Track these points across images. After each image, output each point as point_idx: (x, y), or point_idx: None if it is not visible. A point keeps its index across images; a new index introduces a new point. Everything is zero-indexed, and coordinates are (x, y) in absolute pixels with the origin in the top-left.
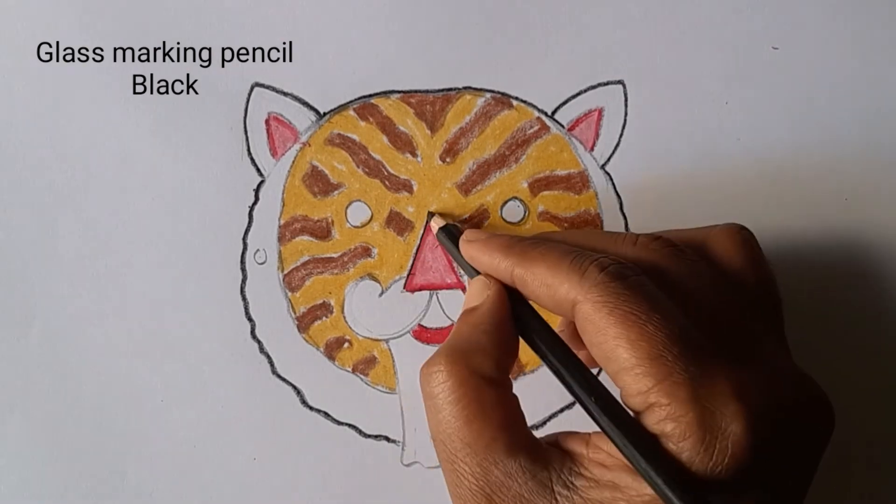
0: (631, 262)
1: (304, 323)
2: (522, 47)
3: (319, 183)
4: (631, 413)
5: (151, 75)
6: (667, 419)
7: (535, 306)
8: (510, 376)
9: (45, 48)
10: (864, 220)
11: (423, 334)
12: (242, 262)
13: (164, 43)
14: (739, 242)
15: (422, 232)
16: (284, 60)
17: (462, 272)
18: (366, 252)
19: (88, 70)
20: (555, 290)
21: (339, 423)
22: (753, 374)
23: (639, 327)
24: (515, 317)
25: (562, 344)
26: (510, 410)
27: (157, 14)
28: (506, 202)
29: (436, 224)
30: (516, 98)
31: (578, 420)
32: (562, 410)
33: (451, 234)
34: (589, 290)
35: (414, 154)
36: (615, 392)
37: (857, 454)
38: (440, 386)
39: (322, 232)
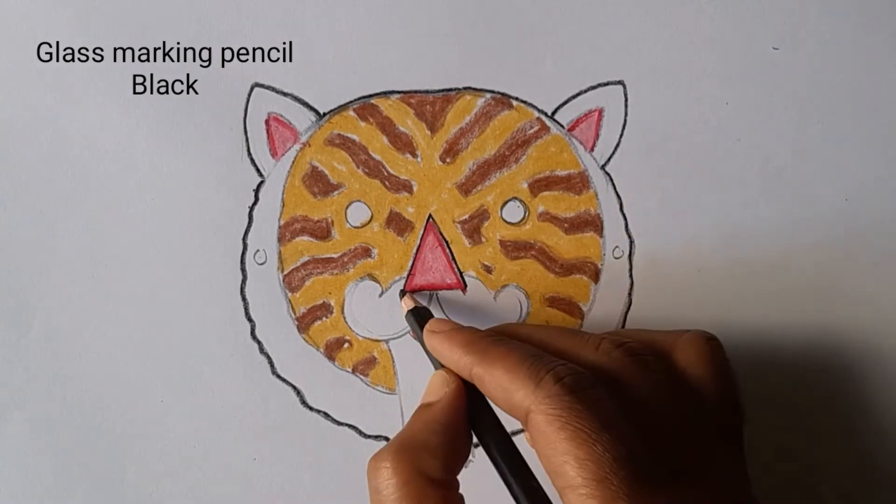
0: (591, 368)
1: (304, 323)
2: (522, 47)
3: (319, 183)
4: None
5: (151, 75)
6: None
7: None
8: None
9: (45, 48)
10: (864, 220)
11: None
12: (242, 262)
13: (164, 43)
14: (706, 354)
15: (422, 232)
16: (284, 60)
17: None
18: (366, 252)
19: (88, 70)
20: (510, 395)
21: (339, 424)
22: (696, 498)
23: (588, 447)
24: (473, 412)
25: (513, 450)
26: None
27: (157, 14)
28: (506, 202)
29: (405, 305)
30: (516, 98)
31: None
32: None
33: (420, 318)
34: (542, 400)
35: (414, 154)
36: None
37: None
38: (385, 482)
39: (322, 232)
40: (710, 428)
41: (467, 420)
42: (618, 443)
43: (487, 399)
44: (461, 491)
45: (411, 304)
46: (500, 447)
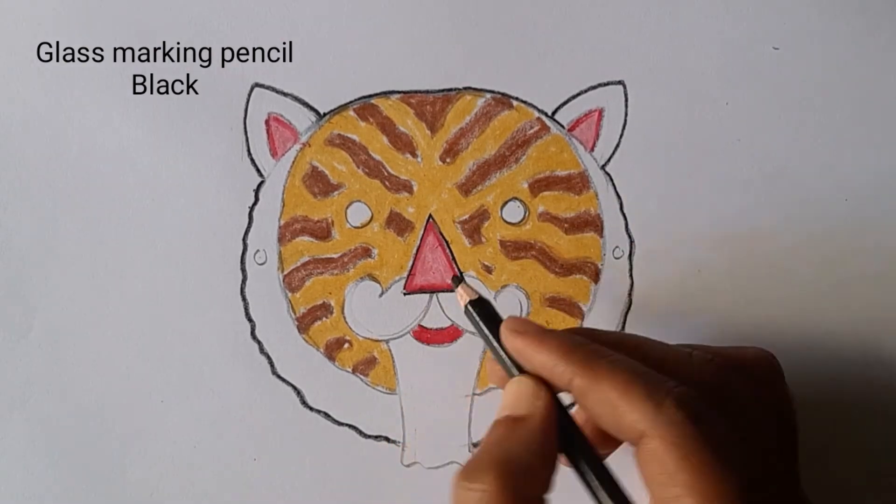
0: (693, 384)
1: (304, 323)
2: (522, 47)
3: (319, 183)
4: None
5: (151, 75)
6: None
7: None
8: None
9: (45, 48)
10: (864, 220)
11: (423, 335)
12: (242, 262)
13: (164, 43)
14: (773, 371)
15: (422, 232)
16: (284, 60)
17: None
18: (366, 252)
19: (88, 70)
20: (622, 414)
21: (339, 424)
22: None
23: (714, 484)
24: (564, 433)
25: (609, 475)
26: None
27: (157, 14)
28: (506, 202)
29: (464, 295)
30: (516, 98)
31: None
32: None
33: (487, 314)
34: (663, 427)
35: (414, 154)
36: None
37: None
38: None
39: (322, 232)
40: (779, 443)
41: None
42: (740, 476)
43: (569, 412)
44: None
45: (471, 295)
46: (597, 472)
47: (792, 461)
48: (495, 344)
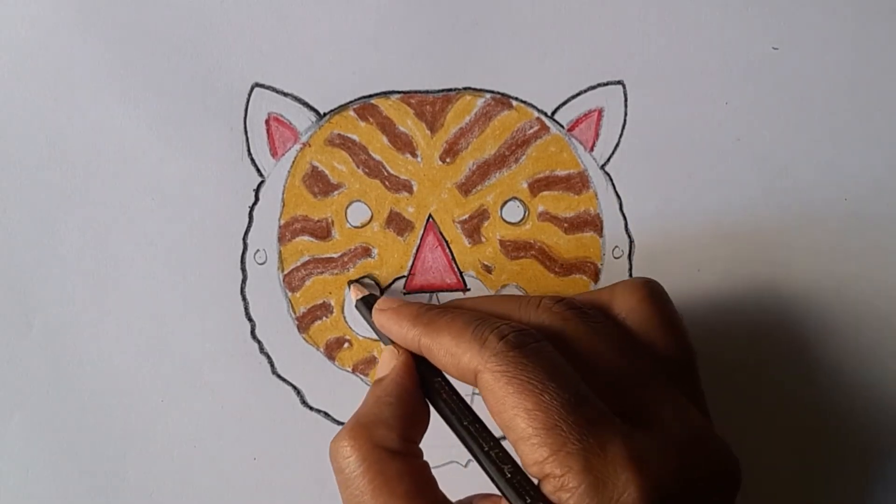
0: (534, 326)
1: (304, 323)
2: (522, 47)
3: (319, 183)
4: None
5: (151, 75)
6: (561, 489)
7: None
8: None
9: (44, 48)
10: (864, 220)
11: None
12: (242, 262)
13: (164, 43)
14: (644, 298)
15: (422, 232)
16: (284, 60)
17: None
18: (366, 252)
19: (88, 70)
20: (458, 359)
21: (339, 423)
22: (653, 439)
23: (535, 397)
24: (426, 384)
25: (469, 412)
26: (417, 480)
27: (158, 14)
28: (506, 202)
29: (355, 294)
30: (516, 98)
31: None
32: None
33: (367, 304)
34: (489, 359)
35: (414, 154)
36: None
37: None
38: (345, 461)
39: (322, 232)
40: (660, 369)
41: (420, 391)
42: (565, 390)
43: (438, 369)
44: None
45: (359, 294)
46: (455, 411)
47: (676, 386)
48: (374, 328)
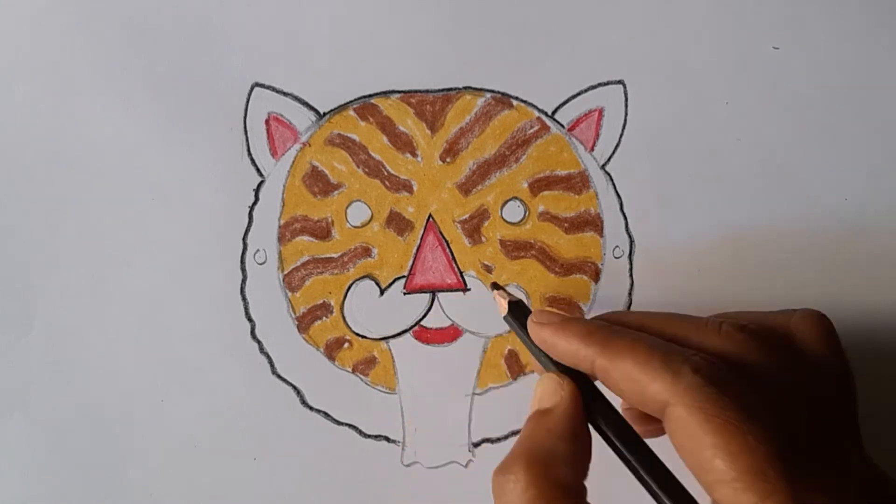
0: (716, 354)
1: (304, 323)
2: (522, 47)
3: (319, 183)
4: None
5: (151, 75)
6: None
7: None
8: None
9: (45, 48)
10: (863, 220)
11: (423, 334)
12: (242, 262)
13: (164, 43)
14: (822, 332)
15: (422, 232)
16: (284, 60)
17: (534, 355)
18: (366, 252)
19: (89, 70)
20: (643, 387)
21: (339, 423)
22: (843, 480)
23: (740, 439)
24: (590, 411)
25: (643, 445)
26: None
27: (158, 14)
28: (506, 202)
29: (502, 300)
30: (516, 98)
31: None
32: None
33: (519, 312)
34: (683, 393)
35: (414, 154)
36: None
37: None
38: (519, 497)
39: (322, 232)
40: (834, 406)
41: (586, 421)
42: (769, 433)
43: (600, 392)
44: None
45: (506, 298)
46: (628, 443)
47: (847, 423)
48: (527, 340)
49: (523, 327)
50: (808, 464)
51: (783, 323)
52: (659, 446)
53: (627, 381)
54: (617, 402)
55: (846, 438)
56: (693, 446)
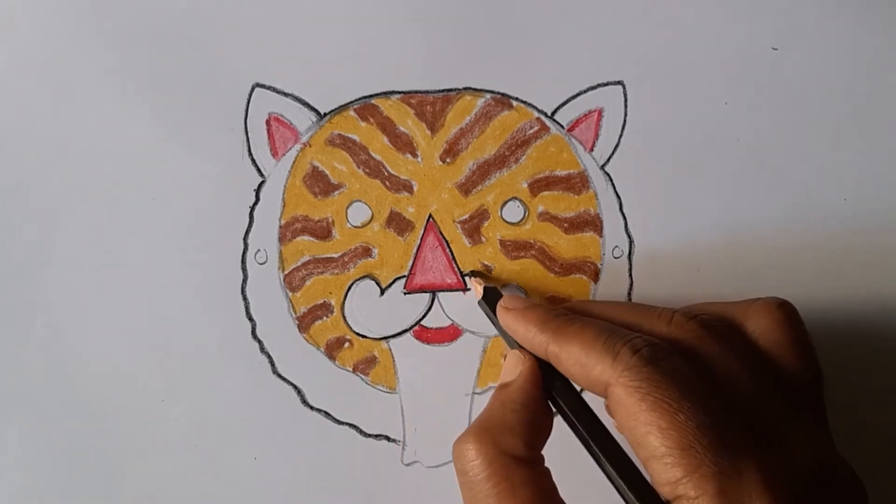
0: (665, 340)
1: (304, 323)
2: (522, 47)
3: (320, 183)
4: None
5: (152, 75)
6: None
7: None
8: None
9: (45, 48)
10: (863, 220)
11: (423, 334)
12: (243, 262)
13: (164, 43)
14: (780, 320)
15: (422, 232)
16: (284, 60)
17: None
18: (366, 252)
19: (89, 70)
20: (588, 370)
21: (340, 423)
22: (785, 462)
23: (670, 415)
24: (550, 389)
25: (593, 417)
26: (541, 487)
27: (158, 14)
28: (506, 202)
29: (478, 286)
30: (516, 98)
31: None
32: None
33: (491, 298)
34: (621, 373)
35: (414, 154)
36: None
37: None
38: (470, 464)
39: (322, 232)
40: (790, 392)
41: (545, 396)
42: (699, 411)
43: (565, 375)
44: (547, 465)
45: (481, 285)
46: (579, 417)
47: (803, 408)
48: (498, 326)
49: (494, 312)
50: (743, 443)
51: (740, 312)
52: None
53: (576, 366)
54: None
55: (801, 422)
56: (630, 424)
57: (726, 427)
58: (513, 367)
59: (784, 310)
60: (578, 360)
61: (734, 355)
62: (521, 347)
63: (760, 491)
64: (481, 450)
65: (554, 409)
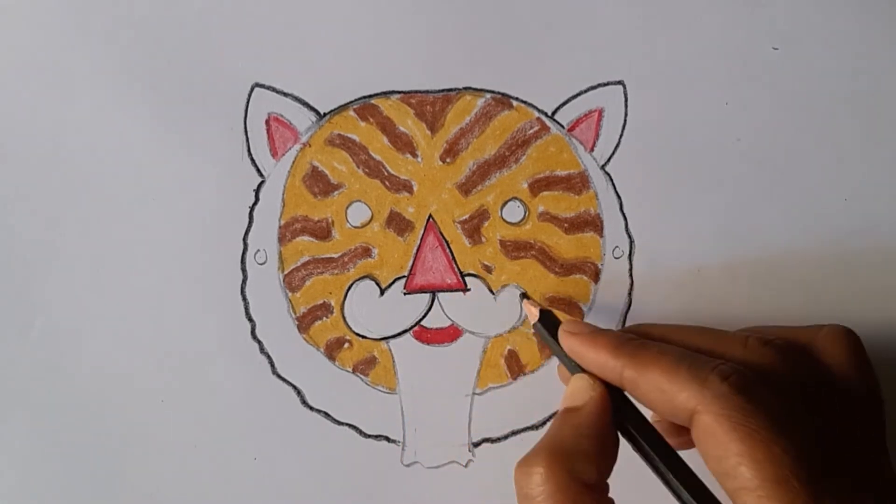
0: (743, 366)
1: (304, 323)
2: (522, 47)
3: (320, 183)
4: None
5: (152, 75)
6: None
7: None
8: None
9: (45, 48)
10: (863, 220)
11: (423, 335)
12: (243, 262)
13: (164, 43)
14: (848, 348)
15: (422, 232)
16: (284, 60)
17: (562, 361)
18: (366, 252)
19: (89, 70)
20: (672, 396)
21: (339, 423)
22: (866, 493)
23: (764, 448)
24: (616, 415)
25: (669, 449)
26: None
27: (158, 14)
28: (506, 202)
29: (532, 309)
30: (516, 98)
31: None
32: None
33: (548, 322)
34: (711, 401)
35: (414, 154)
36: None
37: None
38: (538, 488)
39: (322, 232)
40: (858, 420)
41: (614, 424)
42: (794, 443)
43: (631, 401)
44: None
45: (536, 308)
46: (656, 448)
47: (873, 439)
48: (557, 348)
49: (553, 336)
50: (829, 477)
51: (809, 338)
52: (688, 458)
53: (656, 392)
54: (648, 415)
55: (870, 454)
56: (719, 453)
57: (817, 460)
58: (581, 392)
59: (851, 338)
60: (659, 387)
61: (811, 383)
62: (587, 372)
63: None
64: (552, 474)
65: (623, 438)
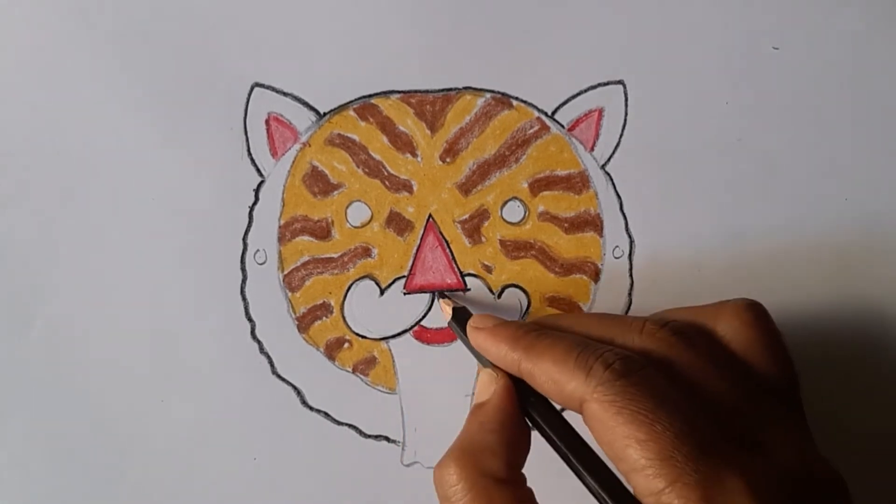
0: (637, 351)
1: (304, 323)
2: (522, 47)
3: (319, 183)
4: None
5: (151, 75)
6: None
7: None
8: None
9: (44, 48)
10: (863, 220)
11: (423, 334)
12: (242, 262)
13: (164, 43)
14: (750, 321)
15: (422, 232)
16: (284, 60)
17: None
18: (366, 252)
19: (88, 70)
20: (562, 386)
21: (339, 423)
22: (766, 464)
23: (647, 427)
24: (527, 405)
25: (572, 432)
26: None
27: (158, 14)
28: (506, 202)
29: (446, 307)
30: (516, 98)
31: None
32: None
33: (460, 318)
34: (595, 388)
35: (414, 154)
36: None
37: None
38: (452, 489)
39: (322, 232)
40: (766, 393)
41: (522, 414)
42: (676, 420)
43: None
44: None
45: (450, 305)
46: (560, 435)
47: (781, 410)
48: (469, 345)
49: (465, 332)
50: (722, 448)
51: (710, 315)
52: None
53: (549, 382)
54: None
55: (779, 423)
56: (608, 438)
57: (705, 434)
58: (486, 387)
59: (754, 311)
60: (551, 377)
61: (708, 360)
62: (493, 366)
63: (744, 494)
64: (462, 473)
65: (531, 426)
